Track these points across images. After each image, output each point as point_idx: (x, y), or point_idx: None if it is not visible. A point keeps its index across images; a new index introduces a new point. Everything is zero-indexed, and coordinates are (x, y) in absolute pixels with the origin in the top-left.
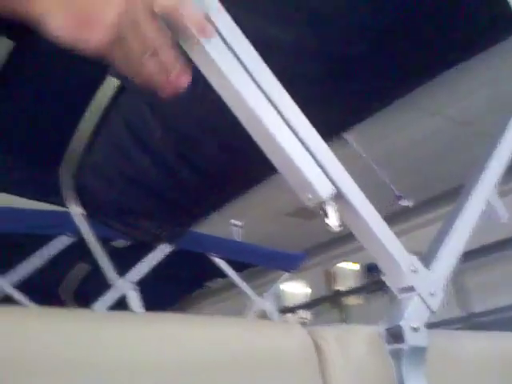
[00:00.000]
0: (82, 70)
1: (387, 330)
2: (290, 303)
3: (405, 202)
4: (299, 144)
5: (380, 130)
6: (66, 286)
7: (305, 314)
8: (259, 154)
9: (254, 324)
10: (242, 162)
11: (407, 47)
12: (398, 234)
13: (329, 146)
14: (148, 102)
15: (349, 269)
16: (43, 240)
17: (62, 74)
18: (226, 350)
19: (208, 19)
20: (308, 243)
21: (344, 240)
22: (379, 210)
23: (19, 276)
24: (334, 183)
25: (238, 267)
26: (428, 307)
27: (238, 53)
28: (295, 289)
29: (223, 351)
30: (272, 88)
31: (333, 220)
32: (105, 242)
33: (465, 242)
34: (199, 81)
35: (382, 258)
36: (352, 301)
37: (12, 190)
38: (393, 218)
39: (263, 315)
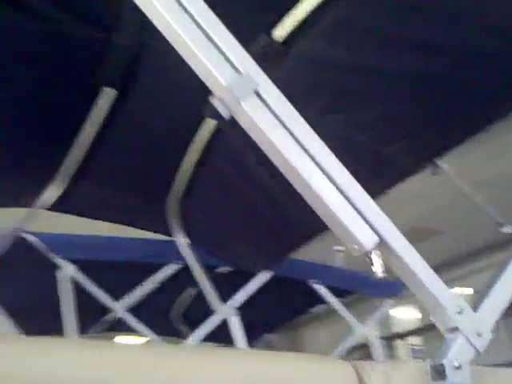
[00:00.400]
0: (182, 112)
1: (432, 367)
2: (399, 329)
3: (508, 229)
4: (342, 198)
5: (482, 151)
6: (175, 310)
7: (415, 340)
8: None
9: (301, 358)
10: None
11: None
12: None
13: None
14: (242, 139)
15: (461, 294)
16: (154, 267)
17: (165, 116)
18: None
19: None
20: None
21: (457, 264)
22: (479, 238)
23: (132, 301)
24: (377, 233)
25: (339, 293)
26: (474, 347)
27: (281, 117)
28: (405, 314)
29: None
30: (314, 145)
31: (378, 267)
32: (208, 268)
33: None
34: None
35: (427, 301)
36: None
37: (122, 219)
38: (495, 245)
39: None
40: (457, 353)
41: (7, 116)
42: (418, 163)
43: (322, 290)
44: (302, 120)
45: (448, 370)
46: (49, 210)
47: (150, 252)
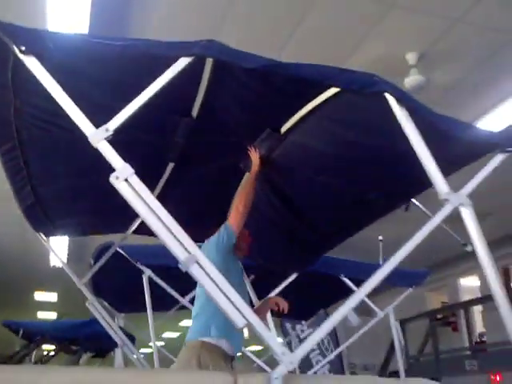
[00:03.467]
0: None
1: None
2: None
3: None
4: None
5: None
6: None
7: None
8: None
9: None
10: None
11: None
12: None
13: None
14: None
15: None
16: None
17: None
18: None
19: None
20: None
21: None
22: None
23: (193, 295)
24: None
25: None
26: (287, 370)
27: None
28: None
29: None
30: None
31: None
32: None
33: None
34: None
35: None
36: None
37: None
38: None
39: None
40: (279, 372)
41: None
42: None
43: (348, 282)
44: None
45: (272, 381)
46: (134, 233)
47: None
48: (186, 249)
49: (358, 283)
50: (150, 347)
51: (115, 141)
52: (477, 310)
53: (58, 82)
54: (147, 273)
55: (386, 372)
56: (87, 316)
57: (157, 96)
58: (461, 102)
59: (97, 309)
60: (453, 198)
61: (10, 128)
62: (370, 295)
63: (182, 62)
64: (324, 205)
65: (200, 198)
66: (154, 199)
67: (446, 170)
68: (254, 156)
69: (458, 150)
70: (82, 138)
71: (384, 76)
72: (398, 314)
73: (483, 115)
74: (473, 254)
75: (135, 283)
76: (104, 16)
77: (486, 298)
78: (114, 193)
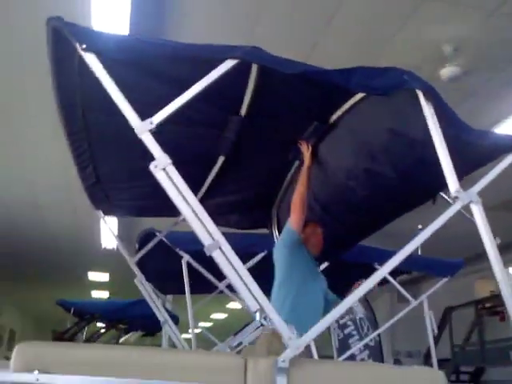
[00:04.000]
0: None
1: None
2: None
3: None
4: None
5: None
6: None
7: None
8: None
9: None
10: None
11: None
12: None
13: None
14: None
15: None
16: (248, 256)
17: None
18: None
19: None
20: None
21: None
22: None
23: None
24: None
25: (396, 274)
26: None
27: None
28: None
29: None
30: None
31: None
32: None
33: None
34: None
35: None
36: None
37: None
38: None
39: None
40: (286, 356)
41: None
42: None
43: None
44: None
45: (280, 364)
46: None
47: (244, 243)
48: (211, 235)
49: (392, 272)
50: (198, 327)
51: (169, 131)
52: None
53: (113, 76)
54: (186, 258)
55: (431, 359)
56: (137, 295)
57: (208, 94)
58: (498, 94)
59: (145, 287)
60: (463, 196)
61: (77, 112)
62: (412, 283)
63: (228, 64)
64: (351, 200)
65: (249, 189)
66: (187, 188)
67: (461, 171)
68: (306, 149)
69: (474, 153)
70: None
71: (421, 65)
72: (446, 302)
73: None
74: None
75: (176, 267)
76: (142, 17)
77: None
78: None
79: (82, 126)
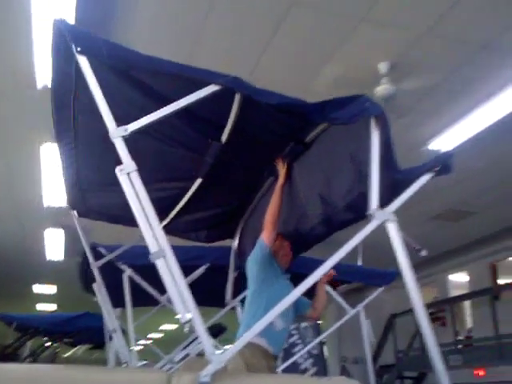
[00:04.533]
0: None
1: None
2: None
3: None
4: None
5: None
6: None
7: None
8: None
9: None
10: None
11: None
12: None
13: None
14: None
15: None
16: (190, 269)
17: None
18: None
19: None
20: (452, 244)
21: (489, 240)
22: None
23: None
24: None
25: (334, 285)
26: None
27: None
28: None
29: None
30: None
31: None
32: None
33: None
34: None
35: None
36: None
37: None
38: None
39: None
40: (209, 371)
41: None
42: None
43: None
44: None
45: (202, 379)
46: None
47: (189, 256)
48: (158, 244)
49: (332, 282)
50: (149, 339)
51: (152, 149)
52: (468, 305)
53: (101, 81)
54: (128, 272)
55: (375, 365)
56: (86, 308)
57: (194, 118)
58: (432, 110)
59: (102, 294)
60: (379, 214)
61: (69, 112)
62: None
63: (210, 89)
64: (301, 220)
65: (223, 205)
66: (146, 196)
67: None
68: (281, 167)
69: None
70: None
71: (355, 86)
72: (391, 309)
73: (453, 123)
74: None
75: (120, 281)
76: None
77: (465, 296)
78: None
79: (71, 126)
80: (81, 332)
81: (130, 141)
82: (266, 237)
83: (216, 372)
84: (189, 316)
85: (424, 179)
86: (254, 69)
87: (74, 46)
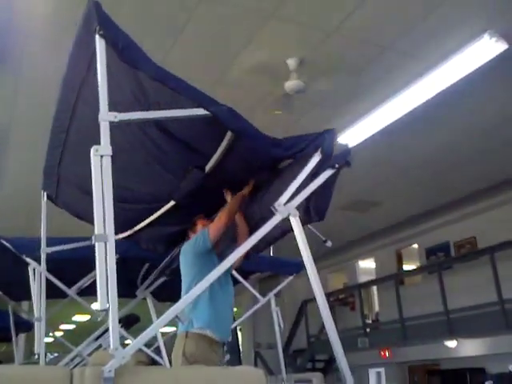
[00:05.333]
0: None
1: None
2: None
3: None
4: None
5: None
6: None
7: None
8: None
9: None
10: None
11: None
12: None
13: None
14: None
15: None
16: None
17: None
18: None
19: None
20: (360, 233)
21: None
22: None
23: (79, 286)
24: None
25: (247, 274)
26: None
27: None
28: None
29: None
30: None
31: None
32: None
33: None
34: None
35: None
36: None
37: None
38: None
39: None
40: (112, 365)
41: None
42: None
43: (234, 273)
44: None
45: (105, 374)
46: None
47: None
48: (105, 228)
49: (245, 272)
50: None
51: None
52: (375, 290)
53: (108, 69)
54: (33, 265)
55: (289, 350)
56: None
57: (184, 144)
58: (337, 106)
59: None
60: (282, 209)
61: (74, 95)
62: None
63: (200, 111)
64: None
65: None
66: (110, 180)
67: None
68: (249, 184)
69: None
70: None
71: (266, 79)
72: (304, 296)
73: (362, 117)
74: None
75: (25, 273)
76: None
77: (372, 282)
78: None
79: (70, 112)
80: None
81: (114, 149)
82: (213, 230)
83: (120, 366)
84: (107, 305)
85: (325, 175)
86: (164, 57)
87: (97, 28)
